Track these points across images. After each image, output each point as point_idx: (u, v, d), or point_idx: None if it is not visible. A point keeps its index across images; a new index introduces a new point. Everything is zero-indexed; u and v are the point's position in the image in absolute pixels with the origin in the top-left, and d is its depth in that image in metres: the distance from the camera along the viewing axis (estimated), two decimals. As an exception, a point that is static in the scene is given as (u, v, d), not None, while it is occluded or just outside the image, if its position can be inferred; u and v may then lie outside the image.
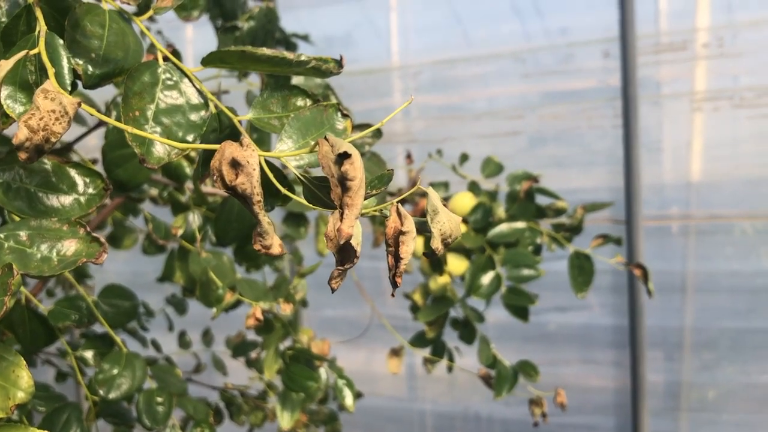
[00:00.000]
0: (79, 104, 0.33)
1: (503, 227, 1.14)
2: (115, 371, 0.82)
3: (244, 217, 0.96)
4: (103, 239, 0.39)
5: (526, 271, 1.09)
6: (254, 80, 1.00)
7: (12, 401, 0.40)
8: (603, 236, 1.17)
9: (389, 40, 2.24)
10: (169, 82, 0.42)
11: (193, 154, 0.84)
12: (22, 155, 0.33)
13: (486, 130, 2.11)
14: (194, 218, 1.08)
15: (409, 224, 0.32)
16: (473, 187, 1.18)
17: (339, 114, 0.43)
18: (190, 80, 0.43)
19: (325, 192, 0.32)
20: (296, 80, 0.79)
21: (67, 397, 0.87)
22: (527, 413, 1.12)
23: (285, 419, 0.98)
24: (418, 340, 1.18)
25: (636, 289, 1.97)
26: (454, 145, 2.10)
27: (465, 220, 1.15)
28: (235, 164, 0.30)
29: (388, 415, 2.38)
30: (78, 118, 1.14)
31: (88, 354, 0.93)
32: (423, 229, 0.34)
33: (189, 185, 0.97)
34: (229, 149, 0.30)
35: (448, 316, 1.18)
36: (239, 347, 1.48)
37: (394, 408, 2.37)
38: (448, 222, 0.33)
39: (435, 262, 1.13)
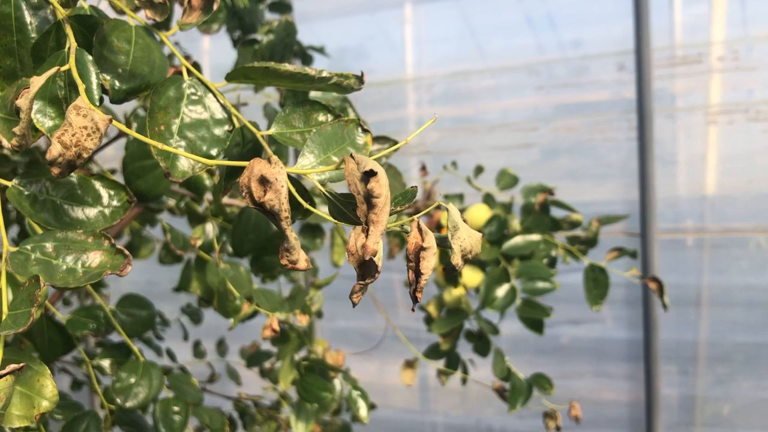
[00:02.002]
0: (111, 121, 0.34)
1: (518, 240, 1.14)
2: (133, 380, 0.82)
3: (261, 228, 0.97)
4: (127, 252, 0.40)
5: (541, 284, 1.09)
6: (271, 92, 1.01)
7: (36, 410, 0.40)
8: (618, 249, 1.17)
9: (403, 52, 2.25)
10: (193, 97, 0.43)
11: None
12: (55, 170, 0.34)
13: (499, 142, 2.12)
14: (211, 229, 1.09)
15: (430, 240, 0.32)
16: (488, 199, 1.19)
17: (359, 129, 0.43)
18: (214, 95, 0.44)
19: (350, 208, 0.33)
20: (314, 93, 0.80)
21: (83, 406, 0.88)
22: (540, 426, 1.12)
23: (299, 430, 0.98)
24: (433, 352, 1.18)
25: (650, 303, 1.96)
26: (468, 157, 2.11)
27: (480, 232, 1.15)
28: (264, 181, 0.30)
29: (401, 427, 2.37)
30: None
31: (105, 363, 0.93)
32: (442, 245, 0.34)
33: (207, 196, 0.98)
34: (257, 166, 0.30)
35: (463, 328, 1.18)
36: (253, 357, 1.48)
37: (407, 420, 2.37)
38: (468, 238, 0.34)
39: (450, 275, 1.13)
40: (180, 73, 0.43)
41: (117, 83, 0.41)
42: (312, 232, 1.02)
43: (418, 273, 0.32)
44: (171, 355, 1.50)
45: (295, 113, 0.44)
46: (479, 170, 1.25)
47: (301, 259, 0.31)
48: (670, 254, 2.04)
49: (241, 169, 0.44)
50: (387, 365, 2.23)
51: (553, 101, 2.09)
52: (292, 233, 0.31)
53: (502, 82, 2.14)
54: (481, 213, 1.16)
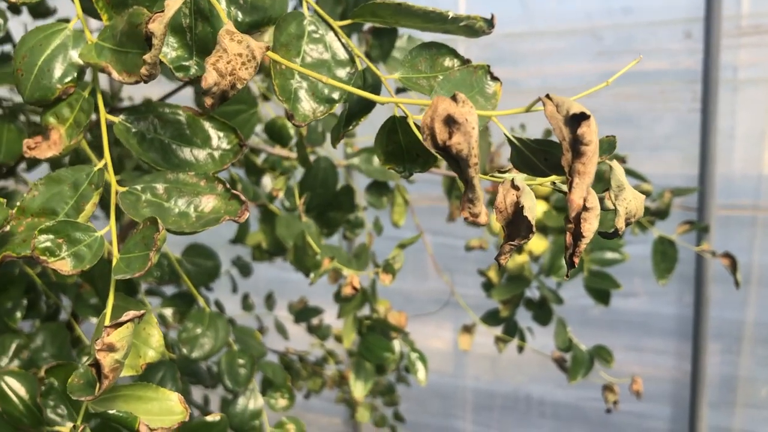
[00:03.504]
0: (268, 48, 0.31)
1: (586, 208, 1.10)
2: (199, 330, 0.81)
3: (328, 184, 0.95)
4: (243, 197, 0.38)
5: (610, 255, 1.06)
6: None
7: (143, 359, 0.38)
8: (689, 222, 1.13)
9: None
10: (314, 35, 0.40)
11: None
12: (208, 101, 0.31)
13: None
14: (268, 182, 1.07)
15: (593, 200, 0.29)
16: (557, 165, 1.15)
17: (488, 77, 0.40)
18: (336, 34, 0.41)
19: (540, 157, 0.30)
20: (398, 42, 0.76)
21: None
22: (580, 396, 1.09)
23: (358, 388, 0.97)
24: (491, 318, 1.15)
25: (702, 279, 1.91)
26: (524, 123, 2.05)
27: (546, 198, 1.12)
28: (450, 122, 0.27)
29: (434, 389, 2.37)
30: (165, 71, 1.13)
31: (168, 312, 0.92)
32: (602, 206, 0.31)
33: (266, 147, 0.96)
34: (442, 105, 0.27)
35: (523, 296, 1.15)
36: (301, 313, 1.48)
37: (441, 383, 2.36)
38: (633, 200, 0.31)
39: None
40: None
41: (240, 15, 0.38)
42: (379, 190, 0.99)
43: (578, 236, 0.29)
44: (219, 307, 1.50)
45: (420, 57, 0.40)
46: (547, 134, 1.20)
47: (483, 212, 0.28)
48: (723, 231, 1.98)
49: (361, 114, 0.41)
50: (425, 327, 2.22)
51: (615, 68, 2.02)
52: (478, 182, 0.28)
53: (562, 45, 2.08)
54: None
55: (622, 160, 1.11)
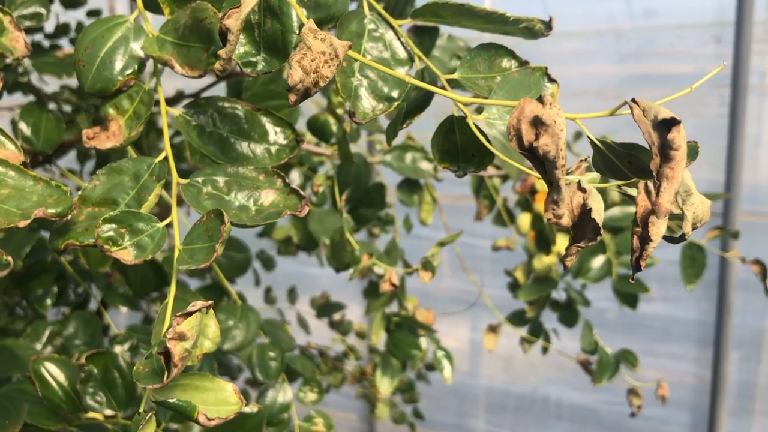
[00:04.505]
0: (350, 47, 0.32)
1: (615, 211, 1.10)
2: (231, 323, 0.82)
3: (361, 180, 0.95)
4: (303, 192, 0.38)
5: (638, 259, 1.05)
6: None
7: (199, 350, 0.39)
8: (719, 228, 1.12)
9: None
10: (375, 34, 0.40)
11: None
12: (292, 97, 0.31)
13: (581, 109, 2.05)
14: (296, 177, 1.07)
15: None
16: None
17: (546, 78, 0.40)
18: (396, 33, 0.41)
19: (624, 160, 0.30)
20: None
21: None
22: (598, 400, 1.09)
23: (384, 384, 0.97)
24: (517, 319, 1.15)
25: (726, 285, 1.90)
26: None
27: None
28: (538, 123, 0.27)
29: (449, 388, 2.37)
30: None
31: (199, 303, 0.93)
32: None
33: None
34: (529, 106, 0.28)
35: (549, 297, 1.15)
36: (323, 308, 1.48)
37: (456, 382, 2.36)
38: (701, 205, 0.31)
39: (543, 241, 1.10)
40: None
41: (305, 12, 0.38)
42: (410, 187, 0.99)
43: (645, 239, 0.29)
44: (243, 300, 1.51)
45: (479, 57, 0.41)
46: (578, 136, 1.20)
47: (566, 214, 0.29)
48: (747, 238, 1.97)
49: (416, 111, 0.42)
50: (439, 325, 2.22)
51: (641, 71, 2.01)
52: (564, 184, 0.28)
53: (588, 47, 2.07)
54: (579, 180, 1.12)
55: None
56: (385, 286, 0.79)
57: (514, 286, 1.16)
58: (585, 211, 0.30)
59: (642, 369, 1.99)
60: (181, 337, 0.31)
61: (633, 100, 0.28)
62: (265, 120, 0.42)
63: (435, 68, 0.40)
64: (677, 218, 0.32)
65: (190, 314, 0.32)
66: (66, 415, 0.65)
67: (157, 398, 0.35)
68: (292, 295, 1.57)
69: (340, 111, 0.78)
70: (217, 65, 0.34)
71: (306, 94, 0.32)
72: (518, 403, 2.26)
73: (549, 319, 1.19)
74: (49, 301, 0.97)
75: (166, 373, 0.32)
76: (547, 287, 1.11)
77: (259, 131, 0.42)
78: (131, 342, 0.90)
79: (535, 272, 1.13)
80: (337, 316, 1.53)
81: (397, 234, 1.12)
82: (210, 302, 0.34)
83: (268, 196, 0.38)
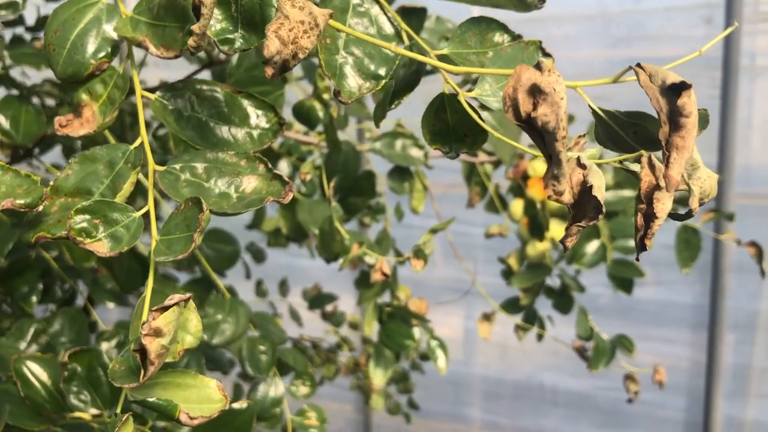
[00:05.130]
0: (331, 15, 0.30)
1: (609, 195, 1.08)
2: (220, 317, 0.80)
3: (350, 168, 0.93)
4: (286, 178, 0.36)
5: (633, 242, 1.04)
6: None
7: (181, 345, 0.37)
8: (715, 211, 1.11)
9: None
10: (360, 9, 0.38)
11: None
12: (269, 70, 0.29)
13: (572, 94, 2.03)
14: (285, 167, 1.05)
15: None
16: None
17: (540, 53, 0.38)
18: (381, 7, 0.39)
19: (629, 130, 0.28)
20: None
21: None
22: (593, 386, 1.08)
23: (378, 376, 0.95)
24: (511, 306, 1.14)
25: (720, 268, 1.89)
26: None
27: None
28: (536, 92, 0.26)
29: (445, 377, 2.36)
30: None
31: (187, 297, 0.91)
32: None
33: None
34: (526, 74, 0.26)
35: (544, 284, 1.13)
36: (315, 299, 1.47)
37: (450, 371, 2.35)
38: (708, 179, 0.29)
39: (536, 227, 1.08)
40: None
41: (285, -14, 0.36)
42: (400, 175, 0.97)
43: (650, 217, 0.28)
44: (233, 293, 1.49)
45: (470, 32, 0.39)
46: (570, 119, 1.18)
47: (567, 190, 0.27)
48: (740, 220, 1.96)
49: (405, 91, 0.40)
50: (433, 314, 2.20)
51: (632, 55, 1.99)
52: (565, 157, 0.26)
53: (576, 31, 2.05)
54: (572, 165, 1.11)
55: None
56: (375, 276, 0.78)
57: (507, 274, 1.14)
58: (585, 189, 0.28)
59: (637, 354, 1.98)
60: (158, 333, 0.29)
61: (638, 65, 0.26)
62: (246, 103, 0.40)
63: (424, 44, 0.38)
64: (682, 196, 0.31)
65: (167, 308, 0.30)
66: (50, 415, 0.63)
67: (135, 397, 0.33)
68: (283, 287, 1.55)
69: (326, 96, 0.76)
70: (191, 41, 0.32)
71: (284, 67, 0.30)
72: (514, 391, 2.25)
73: (543, 306, 1.17)
74: (34, 299, 0.95)
75: (142, 372, 0.30)
76: (541, 274, 1.10)
77: (240, 114, 0.40)
78: (119, 338, 0.87)
79: (529, 259, 1.12)
80: (329, 308, 1.51)
81: (388, 223, 1.10)
82: (188, 295, 0.32)
83: (250, 183, 0.36)
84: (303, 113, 0.76)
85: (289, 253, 1.55)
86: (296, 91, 0.85)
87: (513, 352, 2.23)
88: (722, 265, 1.88)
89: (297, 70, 1.07)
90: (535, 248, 1.10)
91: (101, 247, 0.35)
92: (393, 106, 0.41)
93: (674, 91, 0.24)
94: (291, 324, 1.56)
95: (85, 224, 0.35)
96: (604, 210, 0.28)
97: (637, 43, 1.99)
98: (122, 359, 0.32)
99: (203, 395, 0.36)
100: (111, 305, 1.04)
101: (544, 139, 0.26)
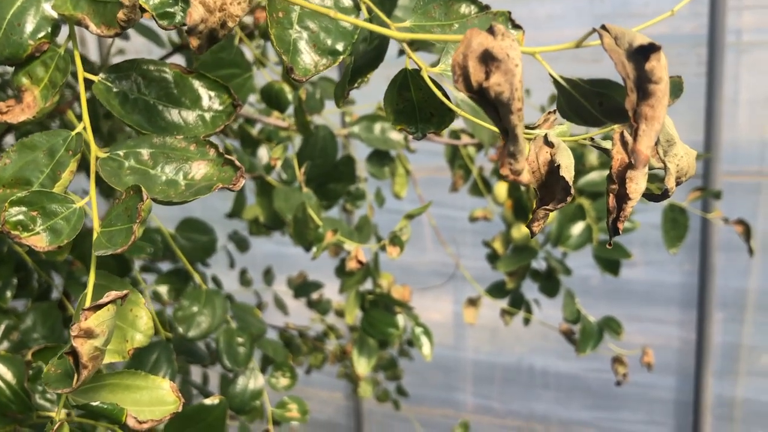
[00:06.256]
0: None
1: (594, 175, 1.06)
2: (195, 309, 0.78)
3: (328, 153, 0.90)
4: (238, 163, 0.34)
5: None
6: None
7: (129, 344, 0.35)
8: (701, 189, 1.09)
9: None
10: (314, -20, 0.36)
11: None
12: (194, 41, 0.27)
13: (561, 72, 2.01)
14: (267, 153, 1.03)
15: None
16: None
17: (510, 24, 0.36)
18: (338, -22, 0.36)
19: (594, 100, 0.26)
20: None
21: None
22: (582, 368, 1.06)
23: (361, 365, 0.93)
24: (497, 291, 1.12)
25: (708, 247, 1.88)
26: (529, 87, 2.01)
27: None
28: (488, 59, 0.23)
29: (435, 362, 2.35)
30: (156, 39, 1.08)
31: (163, 289, 0.89)
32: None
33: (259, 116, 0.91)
34: (477, 39, 0.23)
35: (530, 267, 1.11)
36: (301, 288, 1.44)
37: (441, 356, 2.33)
38: (685, 156, 0.27)
39: (521, 210, 1.06)
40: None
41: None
42: (380, 159, 0.95)
43: (623, 197, 0.25)
44: (217, 283, 1.46)
45: (434, 2, 0.36)
46: (554, 100, 1.16)
47: (525, 169, 0.25)
48: (727, 197, 1.95)
49: (367, 68, 0.37)
50: (423, 300, 2.19)
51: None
52: (522, 132, 0.24)
53: (560, 9, 2.02)
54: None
55: (631, 125, 1.07)
56: (351, 264, 0.75)
57: (493, 258, 1.12)
58: (553, 169, 0.26)
59: (627, 334, 1.97)
60: (89, 334, 0.27)
61: (603, 27, 0.23)
62: (197, 84, 0.38)
63: (385, 17, 0.36)
64: (657, 174, 0.28)
65: (100, 307, 0.28)
66: (15, 415, 0.61)
67: (77, 401, 0.31)
68: (268, 276, 1.53)
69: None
70: (120, 14, 0.29)
71: (212, 37, 0.27)
72: (505, 374, 2.24)
73: (530, 290, 1.15)
74: (9, 294, 0.92)
75: (75, 376, 0.28)
76: (526, 257, 1.08)
77: (191, 96, 0.37)
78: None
79: (514, 242, 1.10)
80: (315, 296, 1.49)
81: (370, 209, 1.08)
82: (125, 292, 0.30)
83: (200, 169, 0.34)
84: (272, 96, 0.73)
85: (275, 242, 1.52)
86: (264, 73, 0.82)
87: (503, 336, 2.22)
88: (710, 243, 1.87)
89: (274, 53, 1.04)
90: (520, 231, 1.08)
91: (39, 241, 0.33)
92: (356, 85, 0.38)
93: (642, 54, 0.22)
94: (277, 313, 1.54)
95: (21, 217, 0.33)
96: (573, 191, 0.26)
97: (622, 20, 1.97)
98: (58, 362, 0.29)
99: (155, 397, 0.34)
100: (87, 299, 1.02)
101: (498, 111, 0.24)
